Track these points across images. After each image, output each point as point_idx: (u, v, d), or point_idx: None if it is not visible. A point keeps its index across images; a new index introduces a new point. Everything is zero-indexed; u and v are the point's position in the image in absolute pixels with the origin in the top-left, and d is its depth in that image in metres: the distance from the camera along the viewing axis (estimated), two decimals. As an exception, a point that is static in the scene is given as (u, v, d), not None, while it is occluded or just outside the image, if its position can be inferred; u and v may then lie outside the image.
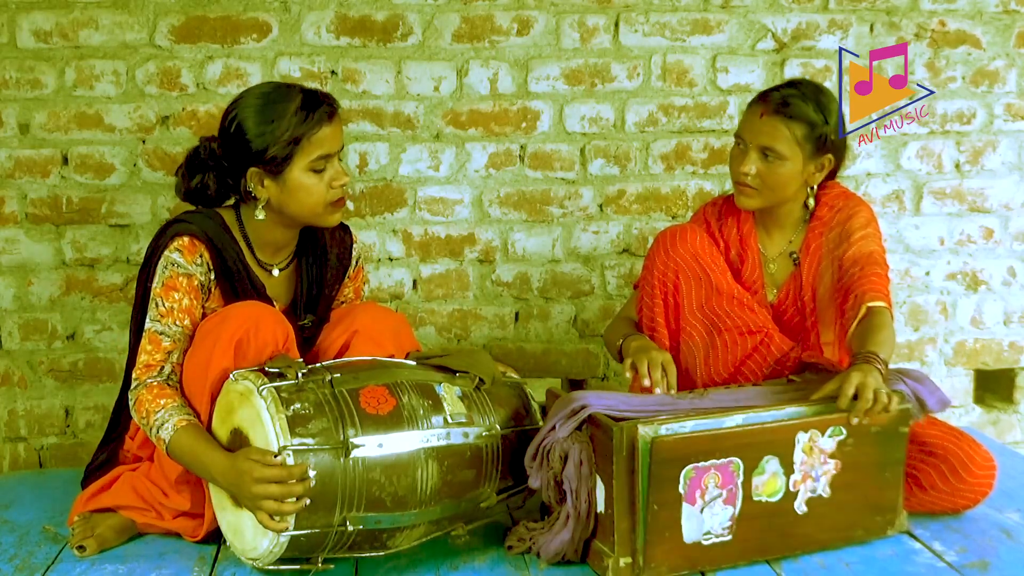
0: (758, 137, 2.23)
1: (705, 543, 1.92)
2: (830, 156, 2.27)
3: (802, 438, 1.95)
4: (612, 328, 2.41)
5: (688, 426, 1.92)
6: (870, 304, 2.12)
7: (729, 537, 1.94)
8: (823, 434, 1.96)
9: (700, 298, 2.27)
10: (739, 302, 2.27)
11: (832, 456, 1.98)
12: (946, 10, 2.94)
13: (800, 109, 2.21)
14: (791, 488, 1.97)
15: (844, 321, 2.20)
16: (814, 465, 1.97)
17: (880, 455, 2.02)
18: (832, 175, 2.36)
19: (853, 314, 2.13)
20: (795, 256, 2.35)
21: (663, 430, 1.89)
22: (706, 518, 1.91)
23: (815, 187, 2.32)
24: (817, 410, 2.00)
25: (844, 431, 1.97)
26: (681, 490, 1.86)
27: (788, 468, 1.95)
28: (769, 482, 1.95)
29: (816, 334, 2.32)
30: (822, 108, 2.23)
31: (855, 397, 1.92)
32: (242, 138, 2.06)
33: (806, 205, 2.34)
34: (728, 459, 1.89)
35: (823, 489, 2.00)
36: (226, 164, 2.11)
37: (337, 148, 2.11)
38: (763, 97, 2.27)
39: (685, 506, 1.88)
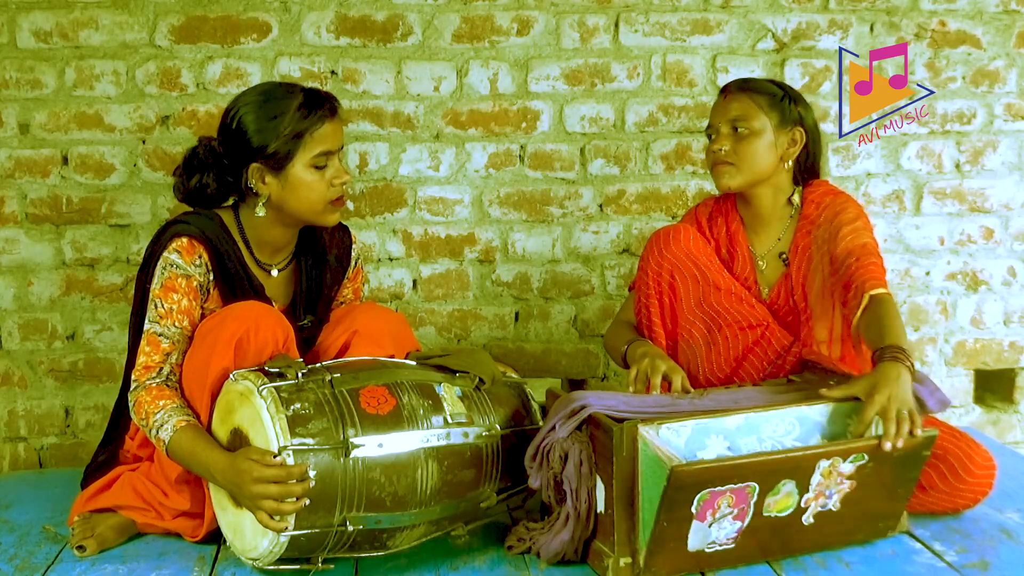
0: (726, 115, 2.30)
1: (708, 551, 1.90)
2: (800, 130, 2.31)
3: (823, 464, 1.89)
4: (613, 333, 2.40)
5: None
6: (872, 292, 2.10)
7: (732, 546, 1.92)
8: (844, 460, 1.90)
9: (698, 296, 2.27)
10: (737, 297, 2.27)
11: (849, 477, 1.93)
12: (946, 10, 2.94)
13: (759, 83, 2.34)
14: (802, 505, 1.93)
15: (847, 312, 2.17)
16: (830, 486, 1.92)
17: (897, 475, 1.98)
18: (814, 173, 2.36)
19: (856, 303, 2.11)
20: (784, 256, 2.35)
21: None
22: (713, 531, 1.88)
23: (794, 171, 2.33)
24: (838, 431, 1.98)
25: (866, 456, 1.91)
26: (693, 510, 1.83)
27: (803, 489, 1.90)
28: (782, 501, 1.91)
29: (809, 331, 2.32)
30: (781, 85, 2.35)
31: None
32: (244, 134, 2.06)
33: (791, 202, 2.35)
34: (745, 483, 1.85)
35: (833, 504, 1.95)
36: (226, 162, 2.11)
37: (338, 146, 2.11)
38: (724, 87, 2.38)
39: (695, 523, 1.85)
